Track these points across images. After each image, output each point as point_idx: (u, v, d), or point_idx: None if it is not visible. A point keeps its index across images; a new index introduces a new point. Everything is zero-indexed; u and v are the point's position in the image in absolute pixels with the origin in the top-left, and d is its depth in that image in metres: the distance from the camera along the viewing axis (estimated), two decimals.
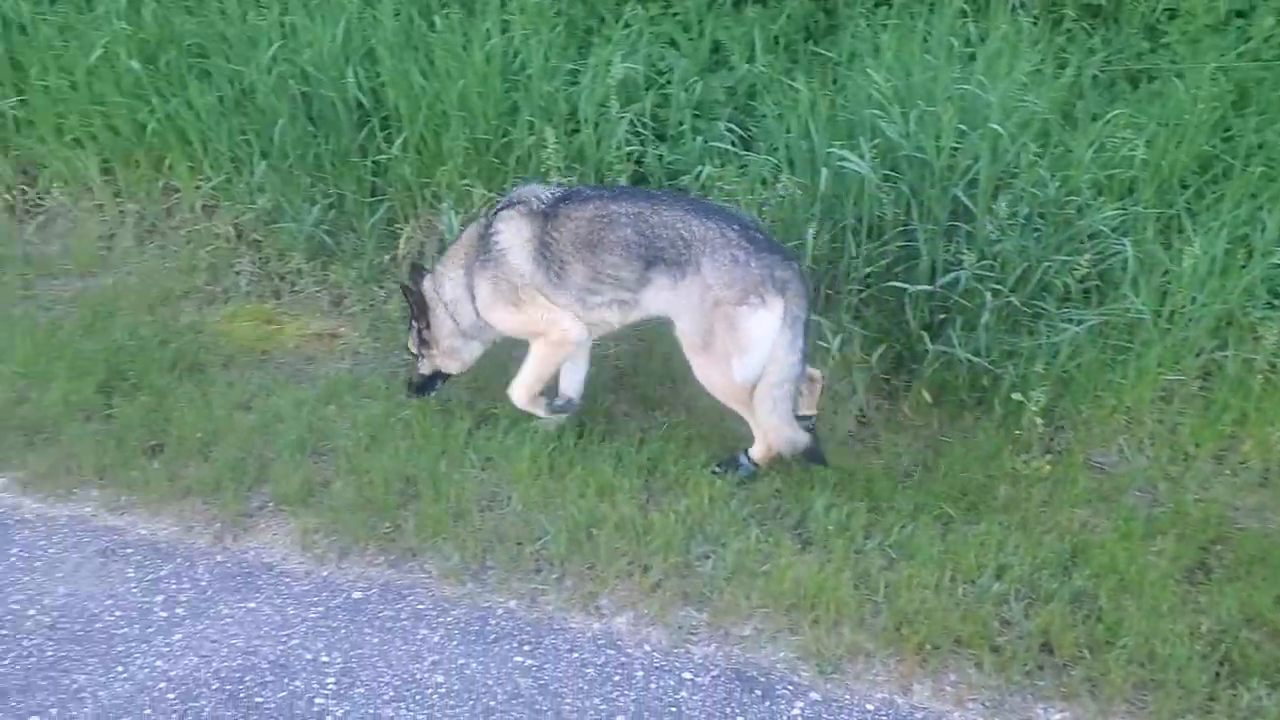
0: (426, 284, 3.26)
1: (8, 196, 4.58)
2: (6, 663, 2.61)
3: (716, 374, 2.93)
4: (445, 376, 3.37)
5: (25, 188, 4.60)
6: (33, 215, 4.56)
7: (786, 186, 3.47)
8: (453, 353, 3.30)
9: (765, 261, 2.79)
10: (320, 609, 2.77)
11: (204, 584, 2.87)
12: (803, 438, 2.90)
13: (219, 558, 2.97)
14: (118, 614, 2.77)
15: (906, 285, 3.33)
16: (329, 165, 4.03)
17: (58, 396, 3.49)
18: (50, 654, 2.64)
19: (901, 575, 2.77)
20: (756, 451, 3.02)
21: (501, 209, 3.11)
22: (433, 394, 3.41)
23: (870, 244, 3.37)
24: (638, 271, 2.93)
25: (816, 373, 3.13)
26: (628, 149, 3.76)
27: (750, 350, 2.82)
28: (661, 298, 2.95)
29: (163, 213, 4.47)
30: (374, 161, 4.02)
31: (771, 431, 2.92)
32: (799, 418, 2.98)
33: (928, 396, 3.38)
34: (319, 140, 3.99)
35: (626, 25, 4.01)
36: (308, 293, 4.10)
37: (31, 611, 2.78)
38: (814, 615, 2.67)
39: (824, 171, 3.38)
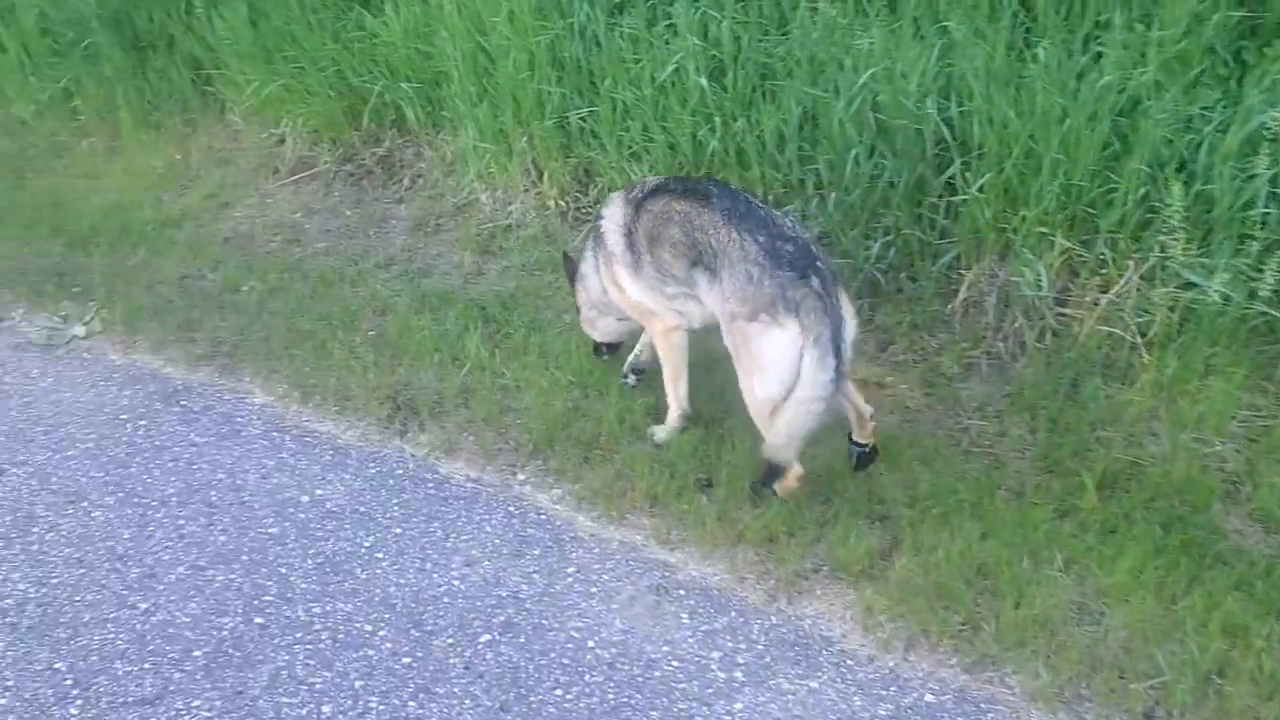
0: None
1: (562, 202, 4.83)
2: (570, 698, 2.67)
3: (745, 389, 3.00)
4: (602, 345, 3.78)
5: (579, 195, 4.83)
6: (583, 224, 4.78)
7: None
8: (590, 322, 3.71)
9: (779, 280, 2.78)
10: (890, 706, 2.59)
11: (760, 647, 2.79)
12: (788, 463, 2.92)
13: (774, 619, 2.88)
14: (674, 664, 2.76)
15: None
16: (895, 201, 3.83)
17: (612, 413, 3.58)
18: (611, 698, 2.68)
19: None
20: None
21: (613, 194, 3.40)
22: (603, 357, 3.83)
23: None
24: (684, 270, 3.08)
25: (867, 409, 3.12)
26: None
27: (767, 369, 2.84)
28: (706, 299, 3.09)
29: None
30: (946, 201, 3.77)
31: (779, 441, 2.91)
32: (852, 442, 3.15)
33: None
34: (890, 173, 3.81)
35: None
36: None
37: (591, 644, 2.85)
38: None
39: None
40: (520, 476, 3.48)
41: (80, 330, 4.56)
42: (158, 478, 3.58)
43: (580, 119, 4.72)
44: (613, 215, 3.35)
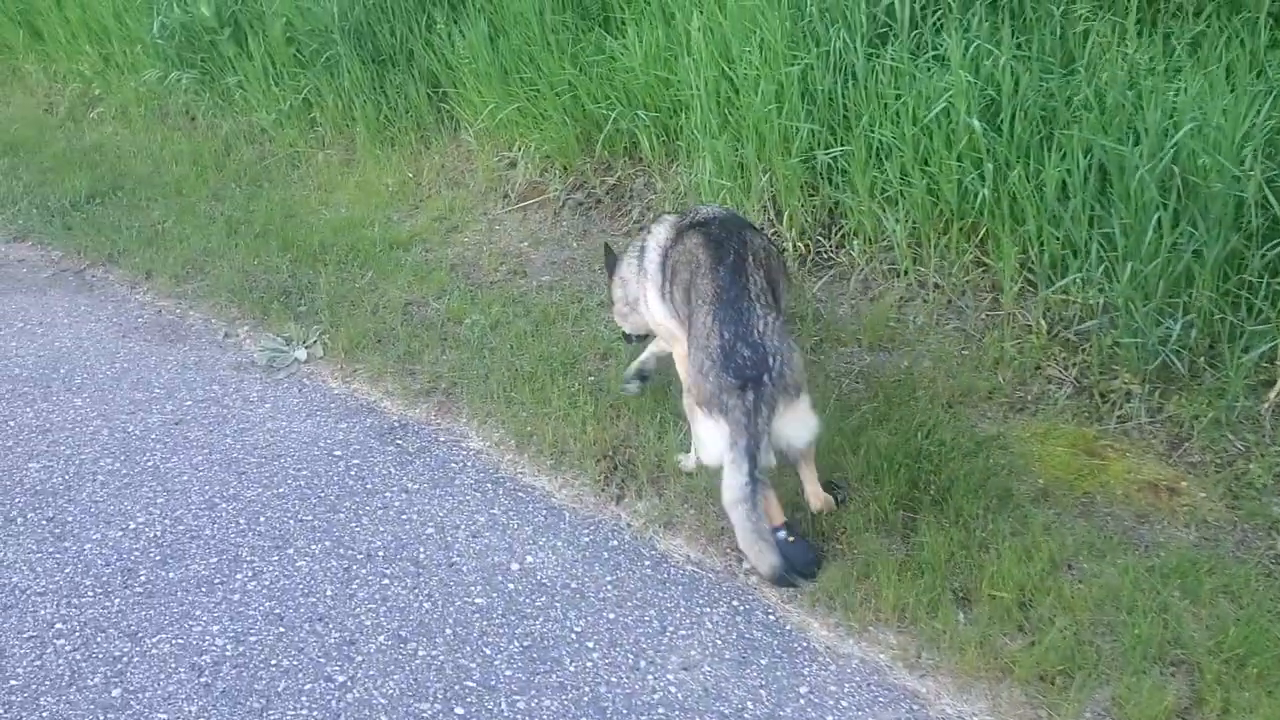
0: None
1: (801, 245, 4.48)
2: None
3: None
4: (632, 335, 3.93)
5: (821, 239, 4.47)
6: (823, 269, 4.41)
7: None
8: (622, 315, 3.87)
9: (721, 383, 2.91)
10: None
11: None
12: (772, 558, 2.88)
13: None
14: None
15: None
16: (1201, 276, 3.28)
17: (854, 499, 3.20)
18: None
19: None
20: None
21: (665, 213, 3.66)
22: (633, 344, 4.00)
23: None
24: (685, 313, 3.21)
25: (810, 478, 3.21)
26: None
27: (703, 446, 3.07)
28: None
29: (966, 288, 4.06)
30: (1265, 280, 3.21)
31: (742, 548, 2.97)
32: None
33: None
34: (1197, 243, 3.27)
35: None
36: (1139, 423, 3.46)
37: None
38: None
39: None
40: (746, 565, 3.14)
41: (302, 354, 4.53)
42: (366, 526, 3.44)
43: (831, 157, 4.33)
44: (658, 235, 3.49)
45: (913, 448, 3.44)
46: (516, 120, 5.44)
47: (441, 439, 3.95)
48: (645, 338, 3.90)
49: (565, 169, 5.44)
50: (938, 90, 4.09)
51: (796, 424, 3.00)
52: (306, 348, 4.59)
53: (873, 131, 4.20)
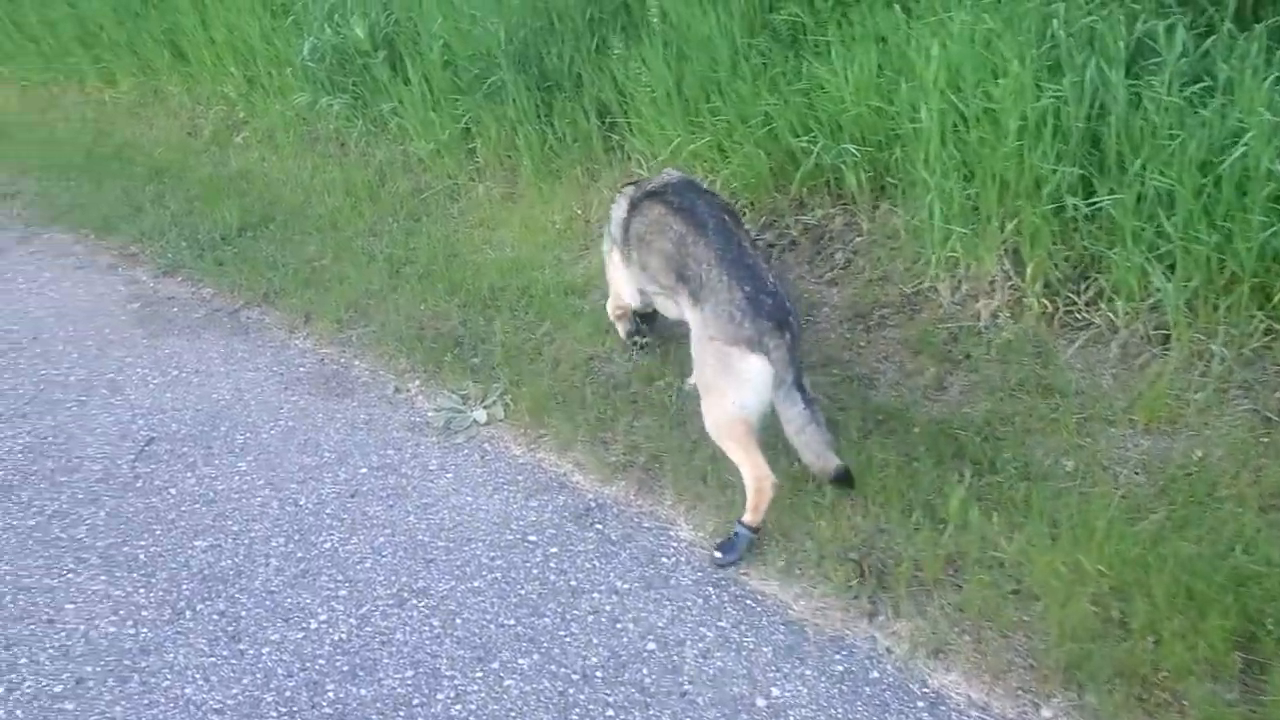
0: None
1: (1047, 303, 3.91)
2: None
3: (712, 408, 3.33)
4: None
5: (1071, 296, 3.89)
6: (1074, 330, 3.83)
7: None
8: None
9: (760, 326, 3.14)
10: None
11: None
12: (834, 461, 3.09)
13: None
14: None
15: None
16: None
17: (1167, 627, 2.62)
18: None
19: None
20: (748, 512, 3.27)
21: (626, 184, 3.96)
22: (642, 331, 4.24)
23: None
24: (672, 280, 3.49)
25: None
26: None
27: (743, 387, 3.16)
28: (684, 313, 3.50)
29: (1256, 360, 3.44)
30: None
31: (809, 462, 3.16)
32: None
33: None
34: None
35: None
36: None
37: None
38: None
39: None
40: (1045, 713, 2.60)
41: (482, 415, 4.12)
42: (577, 636, 2.99)
43: (1088, 204, 3.76)
44: (618, 207, 3.88)
45: (1230, 566, 2.84)
46: (699, 152, 4.95)
47: (646, 525, 3.49)
48: (652, 317, 4.19)
49: (754, 205, 4.93)
50: (1228, 130, 3.47)
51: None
52: (485, 408, 4.18)
53: (1144, 176, 3.60)
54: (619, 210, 3.87)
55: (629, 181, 4.16)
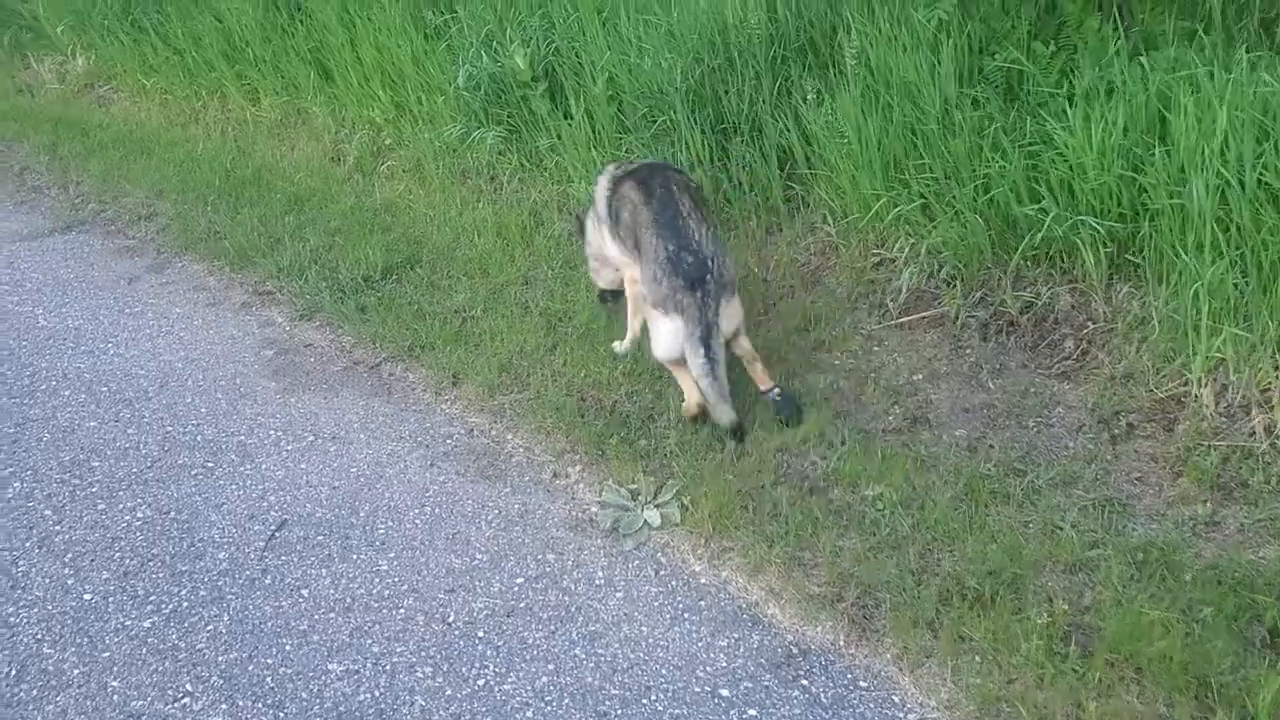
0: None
1: None
2: None
3: (649, 347, 3.90)
4: (605, 292, 4.69)
5: None
6: None
7: None
8: (595, 271, 4.60)
9: (674, 285, 3.64)
10: None
11: None
12: (728, 415, 3.72)
13: None
14: None
15: None
16: None
17: None
18: None
19: None
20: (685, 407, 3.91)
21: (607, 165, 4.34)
22: (608, 304, 4.72)
23: None
24: (633, 245, 3.90)
25: (748, 352, 3.93)
26: None
27: (660, 343, 3.80)
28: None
29: None
30: None
31: (708, 406, 3.76)
32: (763, 391, 3.95)
33: None
34: None
35: None
36: None
37: None
38: None
39: None
40: None
41: (654, 517, 3.56)
42: None
43: None
44: (602, 185, 4.16)
45: None
46: (905, 215, 4.32)
47: (862, 684, 2.88)
48: (619, 293, 4.46)
49: (962, 276, 4.25)
50: None
51: (730, 315, 3.73)
52: (658, 508, 3.61)
53: None
54: (602, 189, 4.19)
55: (610, 161, 4.55)
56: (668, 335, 3.71)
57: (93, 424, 4.52)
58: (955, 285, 4.30)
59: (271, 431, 4.39)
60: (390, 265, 5.58)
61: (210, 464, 4.16)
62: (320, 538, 3.69)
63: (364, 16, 7.07)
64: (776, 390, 3.96)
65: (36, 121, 8.87)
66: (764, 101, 5.07)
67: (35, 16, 10.09)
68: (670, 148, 5.31)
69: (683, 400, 4.02)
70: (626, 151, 5.54)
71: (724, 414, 3.71)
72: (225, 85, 8.13)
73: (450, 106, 6.40)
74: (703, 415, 3.87)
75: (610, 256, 4.28)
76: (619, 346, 4.45)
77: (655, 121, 5.39)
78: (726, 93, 5.22)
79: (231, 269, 5.93)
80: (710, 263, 3.66)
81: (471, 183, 6.24)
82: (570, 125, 5.77)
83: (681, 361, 3.76)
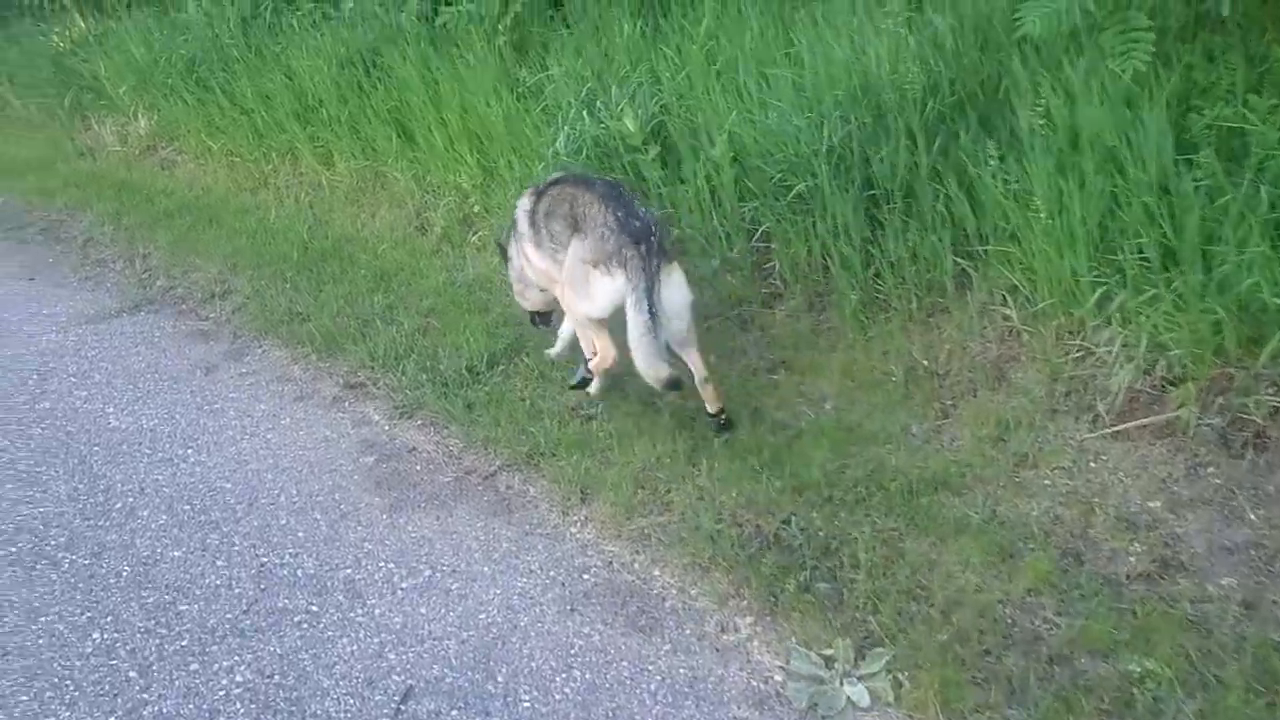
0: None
1: None
2: None
3: (569, 305, 4.18)
4: (534, 314, 4.79)
5: None
6: None
7: None
8: (520, 294, 4.70)
9: (621, 240, 3.80)
10: None
11: None
12: (665, 370, 3.82)
13: None
14: None
15: None
16: None
17: None
18: None
19: None
20: (592, 364, 4.18)
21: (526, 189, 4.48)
22: (539, 328, 4.85)
23: None
24: (567, 236, 4.05)
25: (703, 372, 4.11)
26: None
27: (594, 300, 3.96)
28: (566, 255, 4.04)
29: None
30: None
31: (641, 370, 3.85)
32: (711, 416, 4.14)
33: None
34: None
35: None
36: None
37: None
38: None
39: None
40: None
41: (860, 694, 2.91)
42: None
43: None
44: (523, 204, 4.38)
45: None
46: (1129, 308, 3.62)
47: None
48: (549, 315, 4.66)
49: (1195, 376, 3.52)
50: None
51: (674, 287, 3.90)
52: (862, 680, 2.90)
53: None
54: (524, 207, 4.37)
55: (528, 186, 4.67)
56: (607, 292, 3.87)
57: (177, 554, 3.91)
58: (1184, 385, 3.54)
59: (382, 563, 3.76)
60: (494, 353, 4.98)
61: (315, 607, 3.53)
62: (455, 712, 3.04)
63: (450, 74, 6.48)
64: (724, 416, 4.14)
65: (99, 187, 8.40)
66: (924, 165, 4.36)
67: (96, 76, 9.64)
68: (808, 217, 4.63)
69: (584, 367, 4.32)
70: (751, 219, 4.90)
71: (661, 369, 3.80)
72: (297, 147, 7.57)
73: (549, 171, 5.76)
74: (614, 369, 4.09)
75: (534, 270, 4.39)
76: (552, 353, 4.71)
77: (789, 187, 4.71)
78: (877, 155, 4.52)
79: (318, 357, 5.33)
80: (653, 228, 3.88)
81: None
82: (685, 190, 5.10)
83: (607, 320, 3.96)
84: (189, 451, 4.67)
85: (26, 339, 5.96)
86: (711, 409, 4.14)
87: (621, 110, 5.33)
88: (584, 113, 5.66)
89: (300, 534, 4.01)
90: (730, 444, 4.08)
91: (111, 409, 5.12)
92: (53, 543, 4.05)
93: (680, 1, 6.02)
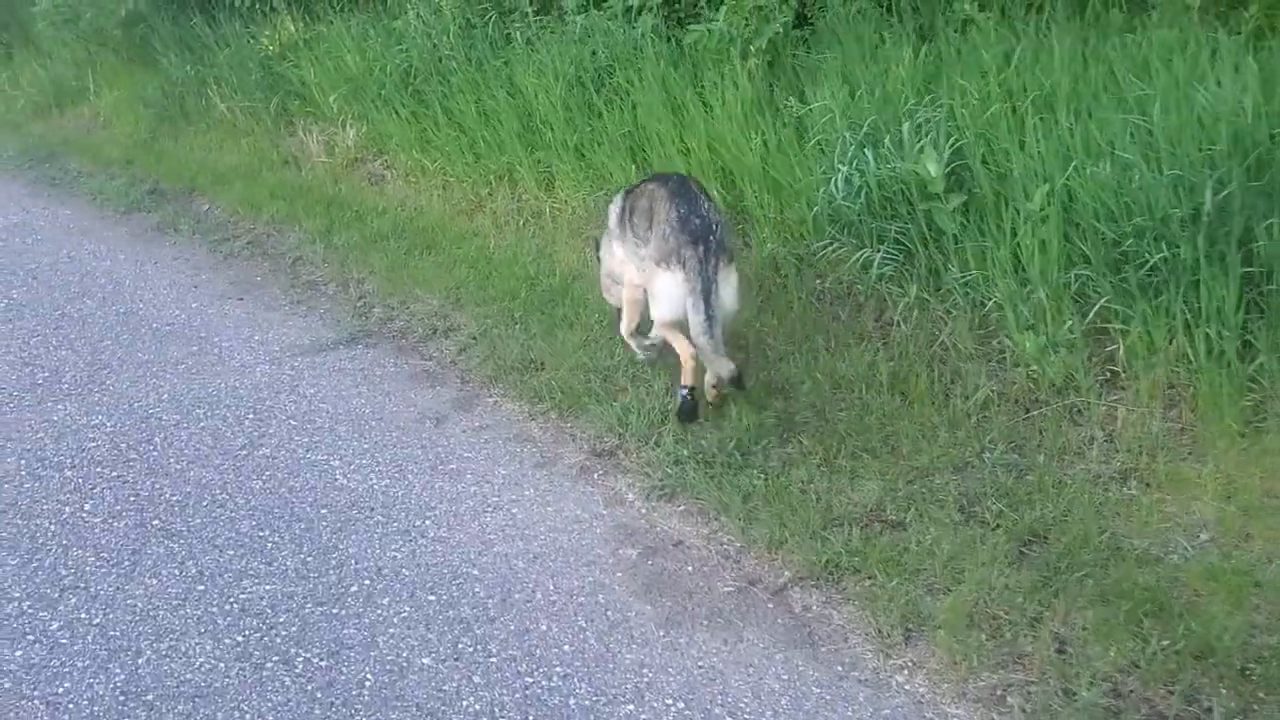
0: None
1: None
2: None
3: (653, 310, 4.34)
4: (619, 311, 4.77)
5: None
6: None
7: None
8: (607, 289, 4.95)
9: (679, 240, 4.04)
10: None
11: None
12: (728, 366, 4.06)
13: None
14: None
15: None
16: None
17: None
18: None
19: None
20: (682, 376, 4.29)
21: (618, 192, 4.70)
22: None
23: None
24: (645, 230, 4.27)
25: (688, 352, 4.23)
26: None
27: (660, 299, 4.18)
28: (645, 251, 4.28)
29: None
30: None
31: (705, 362, 4.14)
32: (681, 385, 4.33)
33: None
34: None
35: None
36: None
37: None
38: None
39: None
40: None
41: None
42: None
43: None
44: (615, 203, 4.64)
45: None
46: None
47: None
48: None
49: None
50: None
51: (728, 286, 4.10)
52: None
53: None
54: (615, 208, 4.63)
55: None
56: (670, 288, 4.07)
57: (426, 661, 3.34)
58: None
59: (668, 700, 3.13)
60: (763, 427, 4.22)
61: None
62: None
63: (699, 101, 5.79)
64: (685, 390, 4.30)
65: (307, 201, 8.01)
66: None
67: (304, 82, 9.31)
68: (1159, 293, 3.76)
69: (683, 391, 4.36)
70: (1078, 290, 4.10)
71: (723, 366, 4.05)
72: (517, 170, 6.98)
73: (809, 215, 5.02)
74: (700, 370, 4.21)
75: (619, 261, 4.58)
76: (641, 346, 4.80)
77: (1129, 255, 3.85)
78: (1264, 225, 3.62)
79: (559, 415, 4.73)
80: (714, 227, 4.09)
81: (846, 315, 4.82)
82: (998, 253, 4.28)
83: (681, 322, 4.08)
84: (427, 523, 4.09)
85: (240, 370, 5.52)
86: (682, 382, 4.39)
87: (921, 150, 4.51)
88: (864, 150, 4.86)
89: (566, 648, 3.37)
90: (1086, 581, 3.23)
91: (337, 462, 4.59)
92: (283, 633, 3.50)
93: (952, 22, 5.20)
